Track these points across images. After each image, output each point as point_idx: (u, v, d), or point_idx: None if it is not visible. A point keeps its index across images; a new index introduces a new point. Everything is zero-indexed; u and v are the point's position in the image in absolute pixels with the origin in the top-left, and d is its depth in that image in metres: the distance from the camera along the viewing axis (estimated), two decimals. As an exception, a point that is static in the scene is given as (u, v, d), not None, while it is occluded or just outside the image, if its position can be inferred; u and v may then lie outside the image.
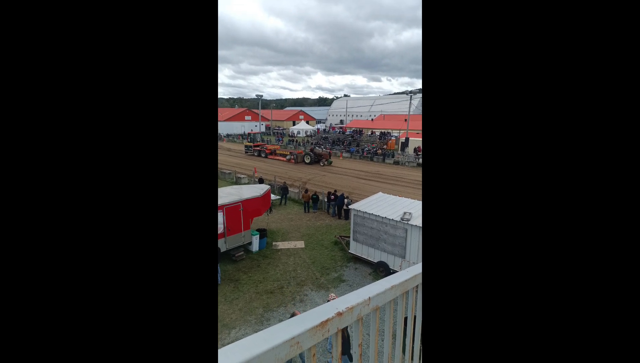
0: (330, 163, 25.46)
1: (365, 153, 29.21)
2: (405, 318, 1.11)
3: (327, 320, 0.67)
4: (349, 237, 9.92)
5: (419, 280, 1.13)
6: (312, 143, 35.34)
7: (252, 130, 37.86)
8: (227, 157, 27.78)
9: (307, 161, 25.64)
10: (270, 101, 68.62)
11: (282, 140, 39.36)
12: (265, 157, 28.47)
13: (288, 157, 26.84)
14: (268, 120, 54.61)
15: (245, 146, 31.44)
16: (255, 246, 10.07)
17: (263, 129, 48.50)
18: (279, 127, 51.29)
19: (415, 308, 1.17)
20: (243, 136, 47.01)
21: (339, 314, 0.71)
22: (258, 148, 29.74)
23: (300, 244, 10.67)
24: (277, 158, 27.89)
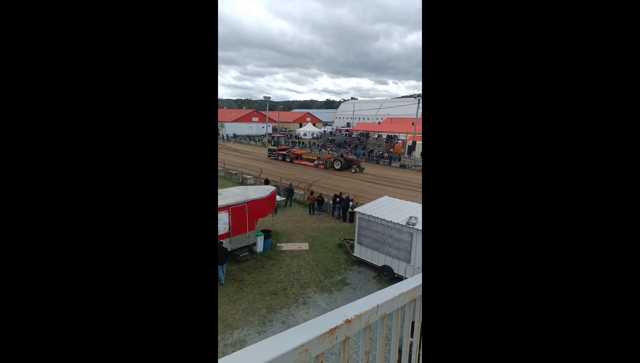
0: (362, 169, 23.70)
1: (371, 156, 29.06)
2: (413, 323, 1.10)
3: (335, 328, 0.66)
4: (353, 240, 9.88)
5: (427, 288, 1.11)
6: (318, 145, 35.12)
7: (275, 132, 35.16)
8: (233, 158, 27.94)
9: (337, 167, 23.95)
10: (278, 103, 69.06)
11: (288, 142, 39.17)
12: (291, 162, 26.61)
13: (316, 162, 25.09)
14: (275, 121, 54.97)
15: (269, 150, 29.47)
16: (259, 247, 10.10)
17: (270, 130, 48.68)
18: (285, 128, 51.49)
19: (422, 317, 1.15)
20: (250, 137, 47.14)
21: (348, 321, 0.70)
22: (283, 152, 27.81)
23: (304, 246, 10.66)
24: (304, 163, 25.99)
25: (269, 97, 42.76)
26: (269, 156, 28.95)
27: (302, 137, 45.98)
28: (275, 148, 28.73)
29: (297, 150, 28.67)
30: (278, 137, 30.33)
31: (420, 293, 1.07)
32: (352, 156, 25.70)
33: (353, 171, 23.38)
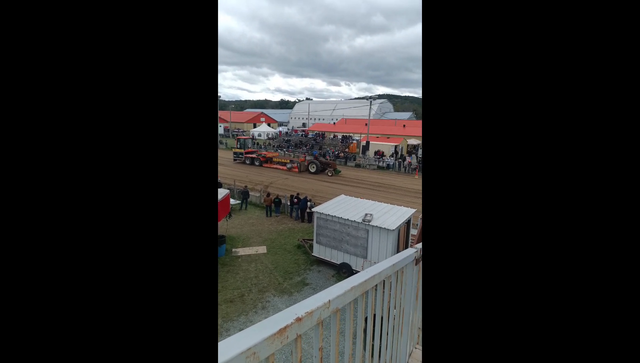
0: (339, 172, 22.50)
1: (327, 157, 29.47)
2: (366, 318, 1.13)
3: (285, 327, 0.65)
4: (312, 240, 9.93)
5: (378, 280, 1.16)
6: (274, 146, 34.37)
7: (239, 134, 31.63)
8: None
9: (313, 170, 22.68)
10: (229, 102, 66.37)
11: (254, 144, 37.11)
12: (260, 165, 24.68)
13: (289, 166, 23.45)
14: (227, 122, 52.62)
15: (234, 154, 26.75)
16: (214, 254, 9.57)
17: (221, 131, 46.17)
18: (238, 129, 49.52)
19: (375, 307, 1.20)
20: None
21: (298, 319, 0.69)
22: (252, 155, 25.56)
23: (262, 249, 10.40)
24: (275, 166, 24.20)
25: (219, 96, 40.76)
26: (235, 161, 26.54)
27: (257, 138, 44.80)
28: (242, 150, 26.22)
29: (267, 153, 26.71)
30: (245, 139, 27.71)
31: (371, 285, 1.11)
32: (327, 160, 24.81)
33: (329, 175, 22.51)
